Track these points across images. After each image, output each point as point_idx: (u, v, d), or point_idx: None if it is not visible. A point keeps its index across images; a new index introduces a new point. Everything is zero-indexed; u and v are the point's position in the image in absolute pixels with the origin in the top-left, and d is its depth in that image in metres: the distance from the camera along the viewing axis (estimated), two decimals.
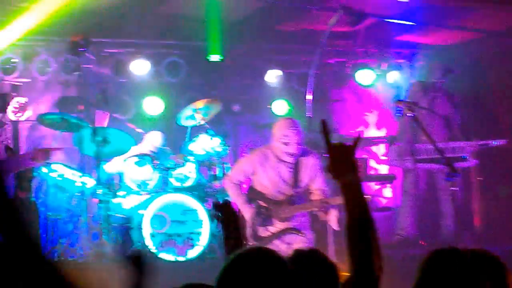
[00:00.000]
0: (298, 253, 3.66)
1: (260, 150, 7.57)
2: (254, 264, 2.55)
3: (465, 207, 9.58)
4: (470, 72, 10.31)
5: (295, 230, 7.28)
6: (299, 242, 7.05)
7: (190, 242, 8.29)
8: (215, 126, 9.29)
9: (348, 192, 2.76)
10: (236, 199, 7.37)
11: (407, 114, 8.01)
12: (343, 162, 2.75)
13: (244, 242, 3.93)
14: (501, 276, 2.64)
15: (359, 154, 10.35)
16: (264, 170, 7.33)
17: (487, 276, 2.62)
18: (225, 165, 9.02)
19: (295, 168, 7.26)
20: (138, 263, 3.23)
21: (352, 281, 2.72)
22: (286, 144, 7.07)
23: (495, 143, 8.95)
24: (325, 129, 2.84)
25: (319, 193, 7.24)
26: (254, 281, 2.49)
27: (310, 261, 3.53)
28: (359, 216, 2.74)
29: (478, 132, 9.54)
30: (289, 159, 7.12)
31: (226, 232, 3.57)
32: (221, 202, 3.33)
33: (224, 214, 3.58)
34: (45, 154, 7.28)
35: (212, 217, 4.70)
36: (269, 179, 7.33)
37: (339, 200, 6.57)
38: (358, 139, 2.88)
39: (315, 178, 7.30)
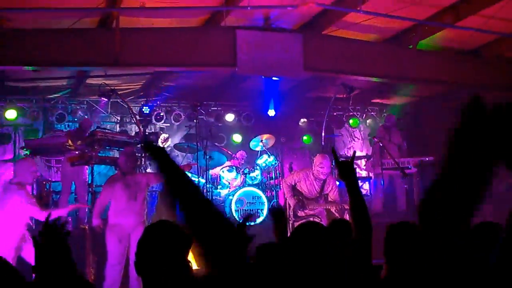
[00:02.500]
0: (333, 221, 5.04)
1: (304, 170, 9.86)
2: (315, 230, 3.38)
3: (411, 197, 11.54)
4: (411, 118, 13.18)
5: (317, 216, 9.39)
6: (322, 216, 9.44)
7: (257, 213, 11.29)
8: (271, 149, 12.61)
9: (351, 186, 3.58)
10: (288, 193, 9.58)
11: (377, 143, 11.60)
12: (346, 170, 3.63)
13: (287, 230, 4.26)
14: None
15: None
16: (305, 182, 9.49)
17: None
18: (276, 172, 12.28)
19: (323, 182, 9.38)
20: (280, 214, 3.97)
21: (356, 238, 3.55)
22: (321, 167, 9.23)
23: (427, 159, 11.15)
24: (334, 152, 3.92)
25: (333, 199, 9.35)
26: (316, 240, 3.26)
27: (341, 223, 4.73)
28: (357, 200, 3.55)
29: (416, 152, 12.11)
30: (322, 178, 9.30)
31: (276, 223, 4.22)
32: (275, 206, 4.07)
33: (275, 213, 4.21)
34: (188, 167, 9.90)
35: (269, 211, 4.15)
36: (307, 187, 9.48)
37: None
38: (353, 156, 3.87)
39: (332, 190, 9.40)
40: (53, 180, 11.53)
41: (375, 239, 3.58)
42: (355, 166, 11.71)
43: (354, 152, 4.49)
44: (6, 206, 7.53)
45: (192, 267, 3.17)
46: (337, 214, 9.23)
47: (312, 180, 9.46)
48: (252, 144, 12.75)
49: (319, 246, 3.25)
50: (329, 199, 9.43)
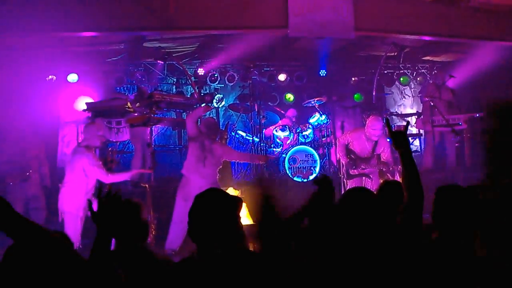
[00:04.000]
0: (385, 182, 5.09)
1: (357, 130, 9.98)
2: (366, 195, 3.46)
3: (461, 153, 11.71)
4: (461, 72, 12.47)
5: (368, 175, 9.53)
6: (373, 174, 9.53)
7: (310, 171, 11.55)
8: (322, 108, 12.59)
9: (404, 156, 3.59)
10: (341, 152, 9.73)
11: (428, 101, 11.62)
12: (400, 140, 3.63)
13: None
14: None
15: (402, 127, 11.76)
16: (357, 142, 9.59)
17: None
18: (328, 130, 12.32)
19: (375, 143, 9.45)
20: (327, 182, 3.75)
21: (408, 204, 3.53)
22: (373, 129, 9.32)
23: (477, 115, 11.08)
24: (388, 123, 3.87)
25: (385, 159, 9.36)
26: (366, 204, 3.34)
27: (394, 185, 4.72)
28: (410, 169, 3.56)
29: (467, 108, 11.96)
30: (374, 138, 9.39)
31: (320, 193, 3.79)
32: (321, 177, 3.62)
33: (322, 183, 3.79)
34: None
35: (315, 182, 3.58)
36: (359, 147, 9.59)
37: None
38: (407, 126, 3.83)
39: (384, 151, 9.43)
40: (114, 140, 11.84)
41: (426, 196, 3.59)
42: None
43: (408, 122, 4.44)
44: (75, 168, 7.90)
45: (243, 231, 3.28)
46: (388, 174, 9.29)
47: (364, 140, 9.57)
48: (305, 103, 12.84)
49: (369, 214, 3.31)
50: (382, 159, 9.47)
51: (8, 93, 9.55)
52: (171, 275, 3.07)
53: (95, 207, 3.00)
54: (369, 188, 8.22)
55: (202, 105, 9.75)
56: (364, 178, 9.55)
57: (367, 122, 9.57)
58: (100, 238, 2.94)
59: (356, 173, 9.58)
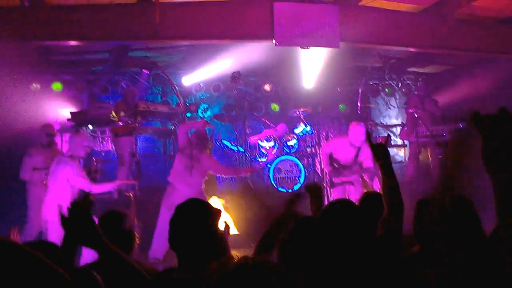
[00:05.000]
0: (366, 193, 4.99)
1: (340, 137, 10.16)
2: (346, 207, 3.46)
3: (444, 165, 11.40)
4: (446, 83, 13.00)
5: (351, 182, 9.54)
6: (356, 182, 9.58)
7: (295, 180, 11.57)
8: (307, 119, 12.64)
9: (384, 168, 3.61)
10: (324, 161, 9.77)
11: (411, 113, 11.74)
12: (380, 152, 3.67)
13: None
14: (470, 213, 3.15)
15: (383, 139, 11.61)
16: (341, 149, 9.60)
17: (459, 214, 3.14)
18: (313, 140, 12.23)
19: (358, 150, 9.45)
20: (317, 190, 3.99)
21: (388, 216, 3.54)
22: (356, 135, 9.33)
23: (461, 125, 10.98)
24: (368, 136, 3.92)
25: (367, 167, 9.36)
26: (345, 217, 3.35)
27: (374, 196, 4.61)
28: (390, 181, 3.58)
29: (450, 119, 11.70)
30: (357, 144, 9.38)
31: (313, 198, 4.26)
32: (312, 182, 3.78)
33: (312, 189, 4.21)
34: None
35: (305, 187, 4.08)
36: (343, 154, 9.58)
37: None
38: (387, 139, 3.93)
39: (367, 158, 9.35)
40: (98, 149, 11.81)
41: (408, 206, 3.60)
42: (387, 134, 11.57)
43: (388, 135, 4.48)
44: (59, 177, 7.88)
45: (224, 238, 3.30)
46: (368, 181, 9.42)
47: (347, 147, 9.53)
48: (290, 114, 12.82)
49: (351, 225, 3.32)
50: (363, 166, 9.49)
51: None
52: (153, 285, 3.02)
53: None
54: (352, 197, 8.54)
55: (199, 118, 9.79)
56: (347, 187, 9.57)
57: (349, 128, 9.59)
58: (65, 243, 2.96)
59: (339, 181, 9.61)
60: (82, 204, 2.91)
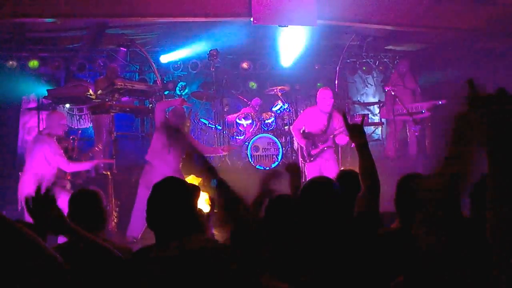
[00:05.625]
0: (342, 171, 5.07)
1: (308, 109, 10.34)
2: (323, 185, 3.52)
3: (422, 141, 11.74)
4: (423, 61, 13.19)
5: (328, 146, 9.63)
6: (329, 158, 9.67)
7: (272, 159, 11.55)
8: (285, 97, 12.59)
9: (360, 148, 3.61)
10: (298, 137, 9.96)
11: (389, 91, 11.70)
12: (356, 132, 3.66)
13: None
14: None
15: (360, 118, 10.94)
16: (312, 120, 9.72)
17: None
18: (291, 118, 12.17)
19: (329, 117, 9.63)
20: (296, 170, 4.17)
21: (365, 195, 3.57)
22: (324, 99, 9.51)
23: (440, 102, 11.06)
24: (344, 116, 3.99)
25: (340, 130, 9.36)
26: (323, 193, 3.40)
27: (350, 174, 4.64)
28: (367, 161, 3.58)
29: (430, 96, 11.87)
30: (327, 109, 9.52)
31: (292, 178, 4.43)
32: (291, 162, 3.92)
33: (291, 169, 4.40)
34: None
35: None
36: (314, 124, 9.68)
37: None
38: (363, 119, 3.98)
39: (339, 122, 9.42)
40: (76, 127, 11.80)
41: (388, 184, 3.65)
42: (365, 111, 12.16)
43: (364, 115, 4.57)
44: (36, 156, 7.87)
45: (202, 219, 3.37)
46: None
47: (318, 115, 9.70)
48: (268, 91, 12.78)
49: (329, 202, 3.37)
50: (337, 142, 9.76)
51: None
52: (125, 267, 3.03)
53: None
54: (326, 174, 8.52)
55: (177, 96, 9.71)
56: (322, 164, 9.64)
57: (317, 95, 9.74)
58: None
59: (319, 150, 9.68)
60: (43, 200, 2.90)
